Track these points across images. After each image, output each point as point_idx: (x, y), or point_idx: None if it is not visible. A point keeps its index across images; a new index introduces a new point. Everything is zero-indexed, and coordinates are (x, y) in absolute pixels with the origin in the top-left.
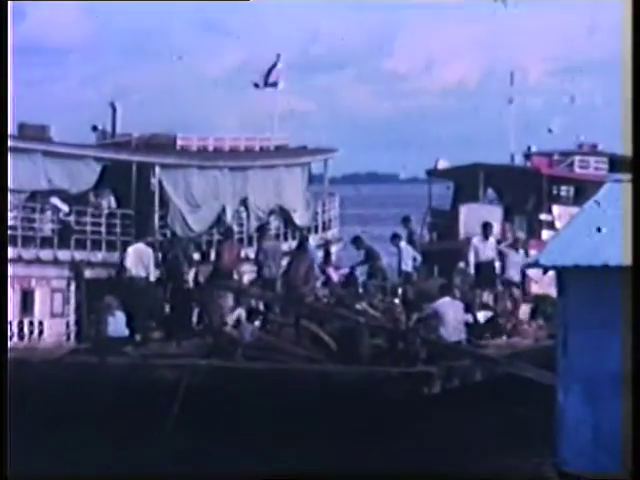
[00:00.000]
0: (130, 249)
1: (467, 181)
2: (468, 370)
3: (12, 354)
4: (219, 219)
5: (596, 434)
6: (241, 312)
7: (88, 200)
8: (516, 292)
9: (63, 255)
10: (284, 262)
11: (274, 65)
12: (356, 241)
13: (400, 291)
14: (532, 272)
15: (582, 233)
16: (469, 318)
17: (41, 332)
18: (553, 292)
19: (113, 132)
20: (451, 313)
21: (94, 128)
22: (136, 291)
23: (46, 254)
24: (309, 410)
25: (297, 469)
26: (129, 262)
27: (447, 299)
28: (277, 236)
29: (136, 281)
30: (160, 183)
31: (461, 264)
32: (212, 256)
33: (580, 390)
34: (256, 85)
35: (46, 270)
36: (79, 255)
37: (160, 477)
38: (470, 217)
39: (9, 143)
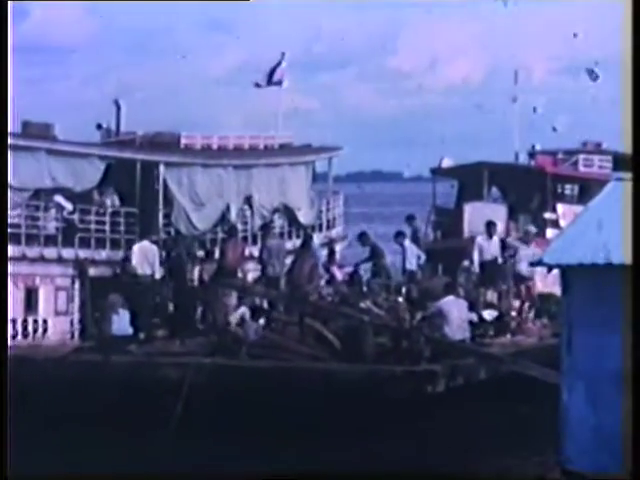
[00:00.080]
0: (135, 247)
1: (471, 179)
2: (472, 368)
3: (16, 352)
4: (223, 217)
5: (600, 433)
6: (245, 310)
7: (92, 198)
8: (524, 288)
9: (67, 253)
10: (288, 260)
11: (278, 63)
12: (362, 237)
13: (404, 289)
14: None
15: (586, 231)
16: (473, 317)
17: (45, 330)
18: (557, 290)
19: (117, 130)
20: (455, 312)
21: (98, 126)
22: (140, 289)
23: (50, 252)
24: (313, 408)
25: (301, 467)
26: (135, 260)
27: (451, 298)
28: (281, 234)
29: (141, 279)
30: (164, 181)
31: (465, 262)
32: (216, 254)
33: (584, 389)
34: (257, 85)
35: (50, 268)
36: (83, 253)
37: (161, 477)
38: (474, 216)
39: (13, 141)
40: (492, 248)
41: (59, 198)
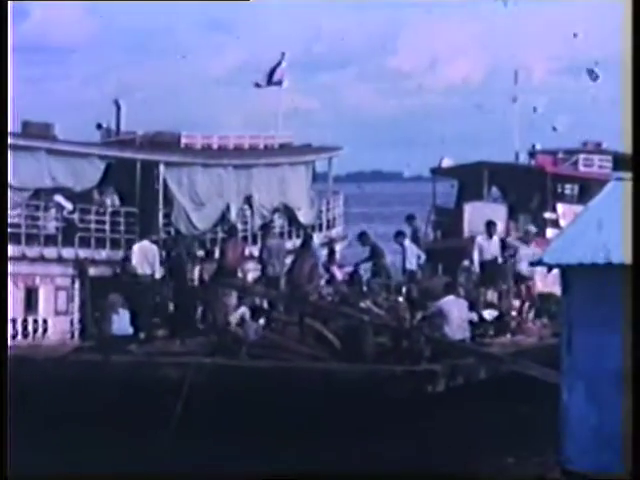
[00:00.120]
0: (136, 246)
1: (471, 179)
2: (472, 368)
3: (16, 352)
4: (223, 217)
5: (600, 433)
6: (245, 310)
7: (92, 198)
8: (524, 288)
9: (67, 253)
10: (288, 260)
11: (278, 63)
12: (362, 237)
13: (404, 289)
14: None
15: (586, 231)
16: (473, 316)
17: (45, 330)
18: (557, 290)
19: (117, 130)
20: (455, 311)
21: (99, 126)
22: (140, 289)
23: (50, 252)
24: (313, 408)
25: (301, 467)
26: (135, 259)
27: (451, 297)
28: (281, 234)
29: (141, 279)
30: (164, 181)
31: (465, 262)
32: (216, 254)
33: (584, 388)
34: (258, 85)
35: (50, 268)
36: (83, 253)
37: (161, 477)
38: (474, 215)
39: (13, 141)
40: (492, 248)
41: (59, 198)
